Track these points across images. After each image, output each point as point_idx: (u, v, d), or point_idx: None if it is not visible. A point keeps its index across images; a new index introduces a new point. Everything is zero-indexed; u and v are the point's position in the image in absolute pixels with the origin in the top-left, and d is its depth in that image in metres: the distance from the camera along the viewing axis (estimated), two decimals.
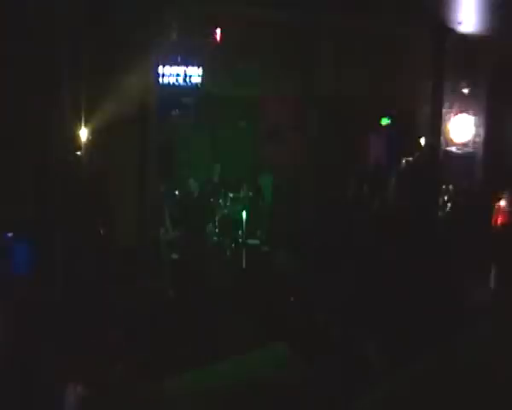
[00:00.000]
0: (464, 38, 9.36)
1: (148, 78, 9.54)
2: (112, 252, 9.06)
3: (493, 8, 8.17)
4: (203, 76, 10.55)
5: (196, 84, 10.55)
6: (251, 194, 11.10)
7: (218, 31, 10.08)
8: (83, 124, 8.78)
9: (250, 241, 10.53)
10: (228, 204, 10.83)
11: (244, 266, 10.29)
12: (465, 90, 9.70)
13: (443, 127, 9.90)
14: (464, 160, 10.05)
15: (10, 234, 7.78)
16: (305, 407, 2.69)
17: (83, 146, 8.84)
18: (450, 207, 9.54)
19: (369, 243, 9.68)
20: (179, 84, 10.44)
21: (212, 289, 9.08)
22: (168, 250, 10.01)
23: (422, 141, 10.29)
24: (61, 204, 8.22)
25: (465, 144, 10.03)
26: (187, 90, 10.66)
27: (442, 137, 9.93)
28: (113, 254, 9.03)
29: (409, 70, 10.33)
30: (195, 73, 10.48)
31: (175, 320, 7.95)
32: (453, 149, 9.98)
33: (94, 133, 8.96)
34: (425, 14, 9.10)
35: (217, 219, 10.57)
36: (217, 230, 10.59)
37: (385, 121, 11.43)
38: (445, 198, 9.69)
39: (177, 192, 10.92)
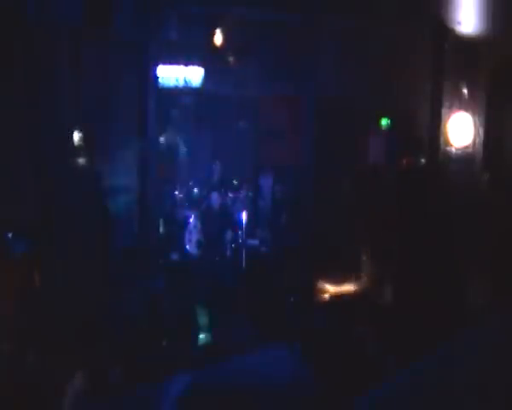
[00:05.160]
0: (464, 38, 9.35)
1: (148, 78, 9.56)
2: (111, 253, 9.06)
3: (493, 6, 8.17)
4: (203, 76, 10.56)
5: (196, 84, 10.56)
6: (251, 194, 11.14)
7: (218, 31, 10.09)
8: (83, 124, 8.78)
9: (250, 241, 10.55)
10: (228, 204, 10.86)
11: (244, 266, 10.31)
12: (465, 90, 9.69)
13: (442, 128, 9.89)
14: (464, 161, 10.04)
15: (10, 234, 7.78)
16: (305, 407, 2.69)
17: (82, 146, 8.84)
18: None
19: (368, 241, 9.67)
20: (179, 84, 10.45)
21: (212, 290, 9.09)
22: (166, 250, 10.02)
23: (419, 142, 10.30)
24: (60, 204, 8.22)
25: (465, 145, 10.02)
26: (187, 90, 10.68)
27: (441, 138, 9.93)
28: (112, 255, 9.03)
29: (409, 70, 10.32)
30: (195, 73, 10.49)
31: (175, 321, 7.96)
32: (452, 149, 9.97)
33: (94, 133, 8.96)
34: (425, 14, 9.10)
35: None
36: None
37: (384, 121, 11.42)
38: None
39: (177, 192, 10.94)
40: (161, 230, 10.07)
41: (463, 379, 2.17)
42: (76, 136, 8.70)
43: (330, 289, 9.49)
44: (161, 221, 10.15)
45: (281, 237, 10.76)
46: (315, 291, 9.18)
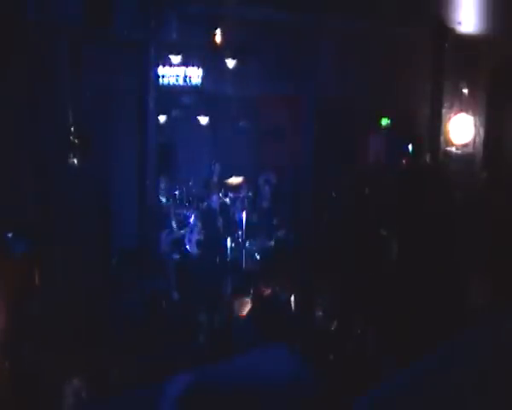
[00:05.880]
0: (464, 38, 9.35)
1: (148, 78, 9.56)
2: (112, 253, 9.07)
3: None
4: (203, 76, 10.57)
5: (196, 84, 10.57)
6: (251, 194, 11.13)
7: (218, 31, 10.08)
8: (83, 124, 8.79)
9: (249, 244, 10.52)
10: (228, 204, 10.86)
11: (244, 266, 10.30)
12: (465, 90, 9.69)
13: (443, 127, 9.89)
14: (464, 160, 10.06)
15: (10, 234, 7.78)
16: (305, 407, 2.69)
17: (81, 146, 8.85)
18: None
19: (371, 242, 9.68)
20: (179, 84, 10.46)
21: (213, 290, 9.08)
22: (172, 250, 10.00)
23: (420, 142, 10.30)
24: (60, 204, 8.23)
25: (465, 145, 10.03)
26: (187, 90, 10.68)
27: (442, 138, 9.93)
28: (113, 255, 9.04)
29: (409, 70, 10.32)
30: (195, 73, 10.50)
31: (176, 321, 7.96)
32: (453, 149, 9.97)
33: (94, 133, 8.97)
34: (425, 14, 9.10)
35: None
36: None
37: (385, 122, 11.42)
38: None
39: (177, 192, 10.94)
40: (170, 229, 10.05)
41: (463, 379, 2.17)
42: (76, 136, 8.70)
43: (329, 288, 9.50)
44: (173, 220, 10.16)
45: (279, 237, 10.75)
46: (315, 291, 9.19)
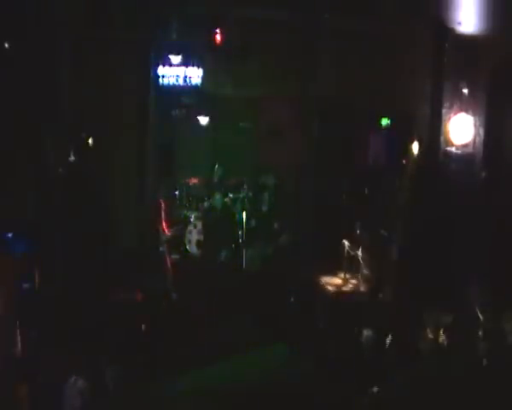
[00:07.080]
0: (464, 38, 9.34)
1: (148, 78, 9.57)
2: (111, 252, 9.06)
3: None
4: (203, 76, 10.56)
5: (196, 84, 10.56)
6: (251, 194, 11.12)
7: (218, 31, 10.08)
8: (83, 124, 8.79)
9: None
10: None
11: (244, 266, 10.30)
12: (465, 90, 9.67)
13: (443, 128, 9.87)
14: (464, 160, 10.04)
15: (10, 234, 7.79)
16: (304, 406, 2.70)
17: (82, 147, 8.85)
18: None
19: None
20: (179, 84, 10.45)
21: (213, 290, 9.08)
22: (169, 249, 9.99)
23: (420, 142, 10.28)
24: (60, 205, 8.23)
25: (465, 145, 10.01)
26: (187, 90, 10.67)
27: (442, 138, 9.91)
28: (112, 255, 9.03)
29: (409, 70, 10.31)
30: (195, 74, 10.49)
31: (176, 320, 7.96)
32: (453, 149, 9.95)
33: (94, 133, 8.97)
34: (425, 14, 9.10)
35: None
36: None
37: (385, 122, 11.41)
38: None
39: (177, 192, 10.93)
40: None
41: (463, 379, 2.17)
42: (76, 136, 8.70)
43: (330, 288, 9.51)
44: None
45: (279, 238, 10.75)
46: (315, 291, 9.20)
